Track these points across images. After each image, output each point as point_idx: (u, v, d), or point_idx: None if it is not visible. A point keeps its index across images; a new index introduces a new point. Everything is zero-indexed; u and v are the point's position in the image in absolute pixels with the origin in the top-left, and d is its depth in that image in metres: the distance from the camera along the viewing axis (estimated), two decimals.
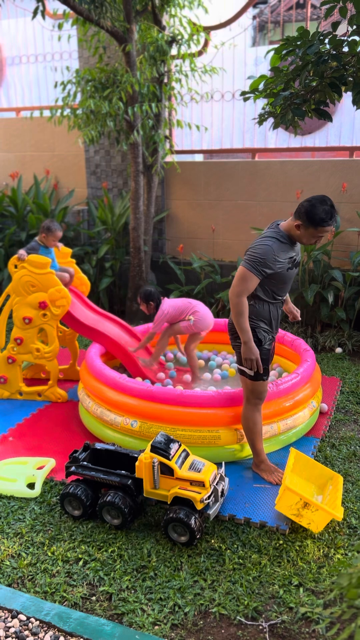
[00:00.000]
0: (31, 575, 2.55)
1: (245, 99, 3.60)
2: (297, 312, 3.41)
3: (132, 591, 2.44)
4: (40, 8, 4.81)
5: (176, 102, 6.10)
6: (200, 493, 2.68)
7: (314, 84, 3.27)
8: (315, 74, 3.21)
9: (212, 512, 2.72)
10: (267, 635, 2.22)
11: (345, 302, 5.30)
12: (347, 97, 4.69)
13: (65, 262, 4.55)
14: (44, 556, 2.66)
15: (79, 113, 5.46)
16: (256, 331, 3.03)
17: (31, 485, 3.19)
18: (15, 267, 4.14)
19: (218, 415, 3.30)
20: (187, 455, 2.87)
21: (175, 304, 4.25)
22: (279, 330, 4.45)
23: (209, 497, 2.71)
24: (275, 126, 3.54)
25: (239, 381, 4.26)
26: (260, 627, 2.26)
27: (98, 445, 3.05)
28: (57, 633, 2.23)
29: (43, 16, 4.91)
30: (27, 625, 2.27)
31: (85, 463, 2.93)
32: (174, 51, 5.66)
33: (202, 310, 4.24)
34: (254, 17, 6.62)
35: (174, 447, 2.79)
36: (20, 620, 2.29)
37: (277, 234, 2.95)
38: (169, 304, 4.24)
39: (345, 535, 2.74)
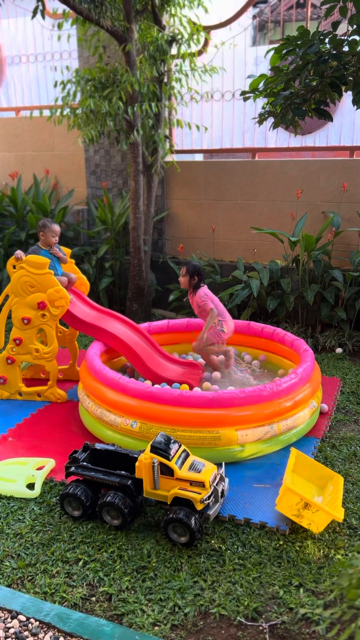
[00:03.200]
0: (31, 575, 2.54)
1: (245, 99, 3.60)
2: None
3: (132, 592, 2.44)
4: (40, 7, 4.81)
5: (176, 102, 6.10)
6: (200, 493, 2.67)
7: (314, 84, 3.27)
8: (315, 73, 3.21)
9: (212, 512, 2.71)
10: (267, 636, 2.21)
11: (346, 302, 5.30)
12: (348, 96, 4.68)
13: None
14: (43, 557, 2.65)
15: (78, 113, 5.46)
16: None
17: (31, 486, 3.19)
18: (14, 267, 4.13)
19: (218, 416, 3.30)
20: (187, 455, 2.86)
21: (214, 297, 4.27)
22: (280, 330, 4.45)
23: (209, 498, 2.71)
24: (275, 126, 3.54)
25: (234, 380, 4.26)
26: (261, 627, 2.25)
27: (98, 446, 3.05)
28: (57, 634, 2.23)
29: (43, 16, 4.90)
30: (27, 626, 2.27)
31: (85, 463, 2.93)
32: (174, 51, 5.66)
33: (230, 319, 4.28)
34: (254, 17, 6.61)
35: (174, 447, 2.78)
36: (20, 621, 2.29)
37: None
38: (208, 292, 4.27)
39: (346, 536, 2.74)
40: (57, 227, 4.25)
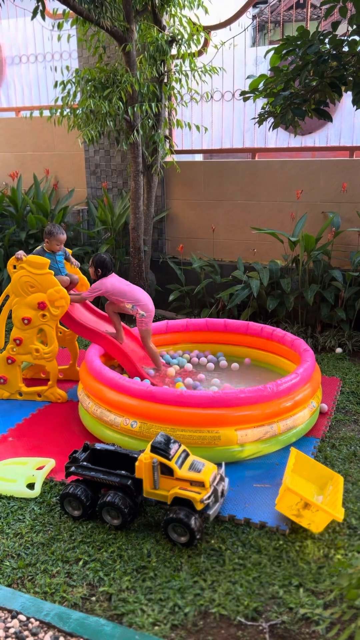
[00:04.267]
0: (31, 575, 2.55)
1: (245, 99, 3.60)
2: None
3: (132, 591, 2.44)
4: (40, 8, 4.80)
5: (176, 102, 6.10)
6: (200, 493, 2.67)
7: (314, 84, 3.27)
8: (315, 73, 3.21)
9: (212, 512, 2.71)
10: (267, 636, 2.21)
11: (346, 302, 5.30)
12: (347, 97, 4.68)
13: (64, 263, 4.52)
14: (43, 556, 2.65)
15: (78, 113, 5.46)
16: None
17: (31, 486, 3.19)
18: (14, 267, 4.13)
19: (218, 415, 3.30)
20: (187, 455, 2.86)
21: (118, 286, 4.21)
22: (279, 330, 4.46)
23: (209, 498, 2.71)
24: (275, 126, 3.54)
25: (233, 376, 4.26)
26: (260, 627, 2.25)
27: (98, 446, 3.05)
28: (57, 633, 2.23)
29: (43, 16, 4.90)
30: (27, 626, 2.27)
31: (85, 463, 2.93)
32: (173, 51, 5.66)
33: (145, 300, 4.26)
34: (254, 17, 6.62)
35: (174, 447, 2.79)
36: (20, 621, 2.29)
37: None
38: (111, 282, 4.19)
39: (346, 536, 2.74)
40: (62, 237, 4.19)
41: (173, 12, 5.59)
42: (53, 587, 2.47)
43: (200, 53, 6.02)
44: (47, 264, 4.06)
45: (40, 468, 3.33)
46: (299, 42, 3.19)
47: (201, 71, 5.72)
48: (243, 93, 3.56)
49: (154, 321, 4.45)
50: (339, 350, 5.13)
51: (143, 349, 4.45)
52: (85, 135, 5.41)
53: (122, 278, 4.37)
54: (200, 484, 2.69)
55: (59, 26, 5.45)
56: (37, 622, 2.28)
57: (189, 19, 5.62)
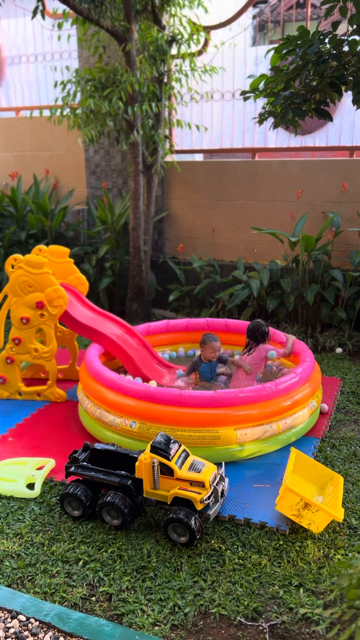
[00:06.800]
0: (31, 575, 2.54)
1: (245, 99, 3.60)
2: None
3: (132, 592, 2.44)
4: (40, 7, 4.80)
5: (176, 102, 6.10)
6: (200, 493, 2.67)
7: (314, 84, 3.27)
8: (315, 73, 3.21)
9: (212, 512, 2.71)
10: (267, 636, 2.21)
11: (346, 302, 5.30)
12: (348, 96, 4.68)
13: (63, 262, 4.52)
14: (43, 556, 2.65)
15: (78, 113, 5.46)
16: None
17: (31, 486, 3.19)
18: (12, 267, 4.13)
19: (218, 415, 3.29)
20: (187, 455, 2.86)
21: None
22: (279, 330, 4.46)
23: (209, 498, 2.71)
24: (275, 126, 3.54)
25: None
26: (261, 627, 2.25)
27: (98, 446, 3.05)
28: (56, 634, 2.23)
29: (43, 16, 4.90)
30: (27, 626, 2.27)
31: (85, 463, 2.93)
32: (173, 51, 5.66)
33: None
34: (254, 17, 6.62)
35: (174, 447, 2.78)
36: (20, 621, 2.29)
37: None
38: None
39: (346, 536, 2.74)
40: (216, 345, 4.11)
41: (173, 12, 5.59)
42: (53, 587, 2.46)
43: (200, 53, 6.02)
44: (45, 264, 4.06)
45: (40, 468, 3.33)
46: (299, 42, 3.19)
47: (201, 71, 5.72)
48: (243, 93, 3.56)
49: (154, 320, 4.41)
50: (339, 350, 5.12)
51: (145, 348, 4.42)
52: (85, 135, 5.41)
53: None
54: (200, 484, 2.69)
55: (59, 26, 5.45)
56: (37, 623, 2.28)
57: (189, 18, 5.62)
